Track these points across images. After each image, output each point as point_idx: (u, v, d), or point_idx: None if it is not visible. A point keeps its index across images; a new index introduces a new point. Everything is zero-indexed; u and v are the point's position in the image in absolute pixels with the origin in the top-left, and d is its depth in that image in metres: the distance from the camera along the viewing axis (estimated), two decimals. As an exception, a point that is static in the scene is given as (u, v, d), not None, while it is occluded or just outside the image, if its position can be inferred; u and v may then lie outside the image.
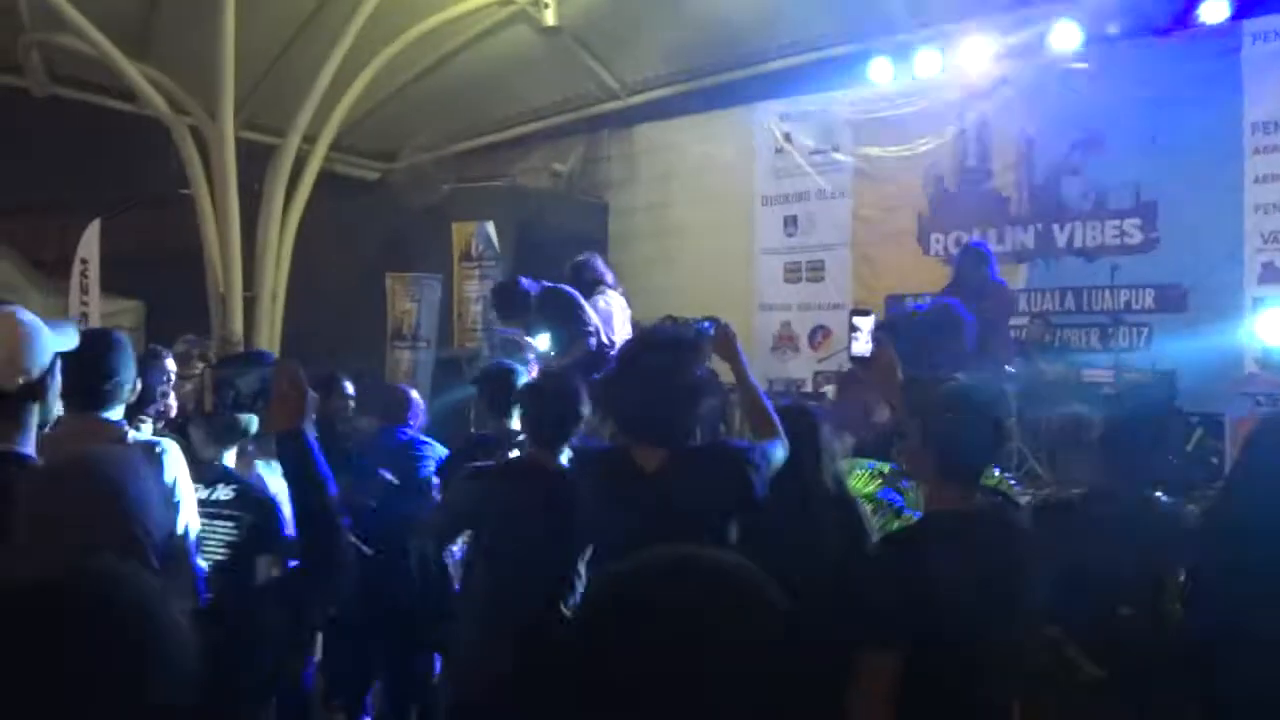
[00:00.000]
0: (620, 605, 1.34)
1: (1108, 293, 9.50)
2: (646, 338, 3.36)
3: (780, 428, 3.47)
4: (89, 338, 4.07)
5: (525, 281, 7.20)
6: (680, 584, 1.33)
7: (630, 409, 3.28)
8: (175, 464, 3.37)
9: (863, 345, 3.95)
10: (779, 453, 3.39)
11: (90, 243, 11.10)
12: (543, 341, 6.66)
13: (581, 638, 1.36)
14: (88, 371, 3.57)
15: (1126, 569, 3.41)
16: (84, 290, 11.14)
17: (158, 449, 3.36)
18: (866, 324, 3.98)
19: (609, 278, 7.95)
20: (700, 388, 3.26)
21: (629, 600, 1.34)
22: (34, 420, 2.78)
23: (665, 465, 3.23)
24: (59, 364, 2.84)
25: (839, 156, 11.25)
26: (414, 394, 6.10)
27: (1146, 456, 3.68)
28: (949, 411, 3.11)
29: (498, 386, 5.28)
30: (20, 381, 2.70)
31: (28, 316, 2.80)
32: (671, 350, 3.26)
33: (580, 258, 8.16)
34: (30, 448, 2.76)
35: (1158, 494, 3.73)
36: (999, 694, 3.00)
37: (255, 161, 11.95)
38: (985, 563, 2.89)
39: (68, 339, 2.91)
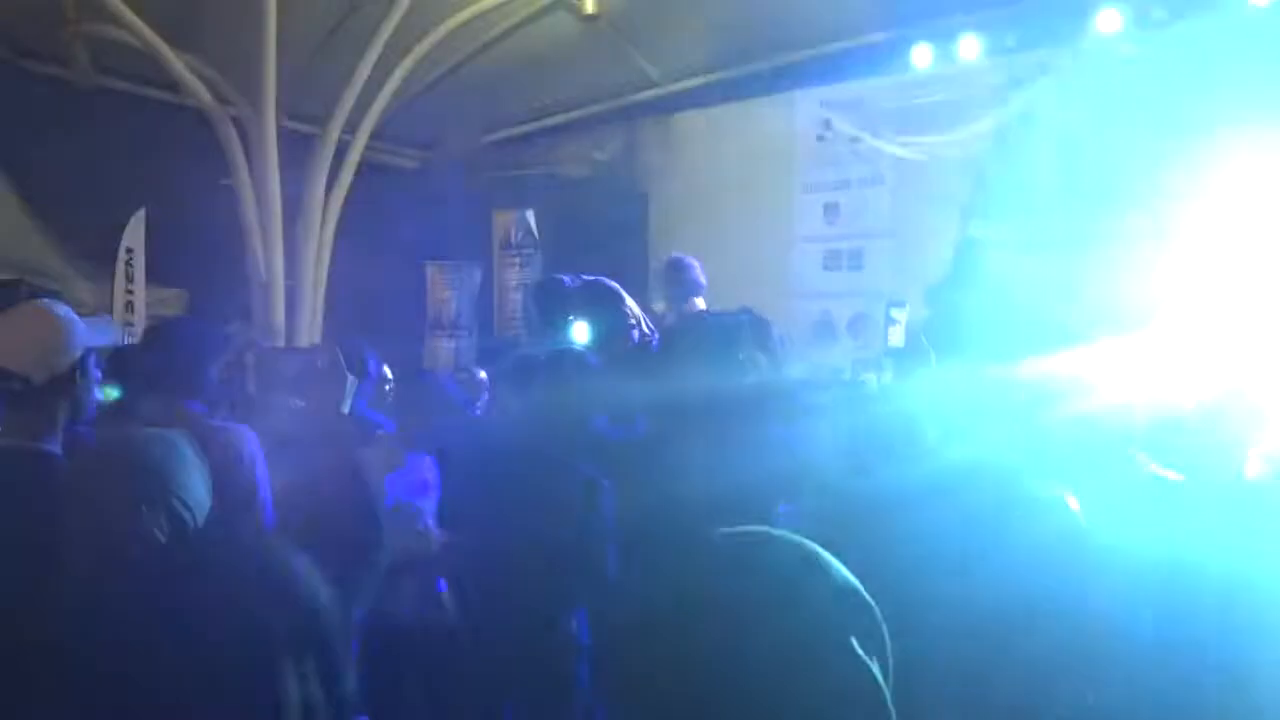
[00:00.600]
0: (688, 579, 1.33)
1: (1151, 282, 9.38)
2: (694, 320, 3.35)
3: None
4: (174, 327, 4.16)
5: (567, 279, 7.21)
6: (750, 561, 1.37)
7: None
8: (254, 448, 3.43)
9: (898, 336, 3.89)
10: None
11: (135, 232, 11.24)
12: (581, 333, 6.65)
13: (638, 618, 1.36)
14: (175, 361, 3.63)
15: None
16: (129, 279, 11.27)
17: (234, 433, 3.42)
18: (903, 315, 3.91)
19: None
20: (744, 372, 3.26)
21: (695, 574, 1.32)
22: (63, 416, 2.80)
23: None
24: (92, 359, 2.88)
25: (880, 144, 11.18)
26: (481, 375, 6.09)
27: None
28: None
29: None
30: (48, 374, 2.72)
31: (60, 310, 2.84)
32: (719, 334, 3.26)
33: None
34: (57, 445, 2.79)
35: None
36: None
37: (297, 151, 12.03)
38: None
39: (103, 334, 2.94)
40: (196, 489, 2.25)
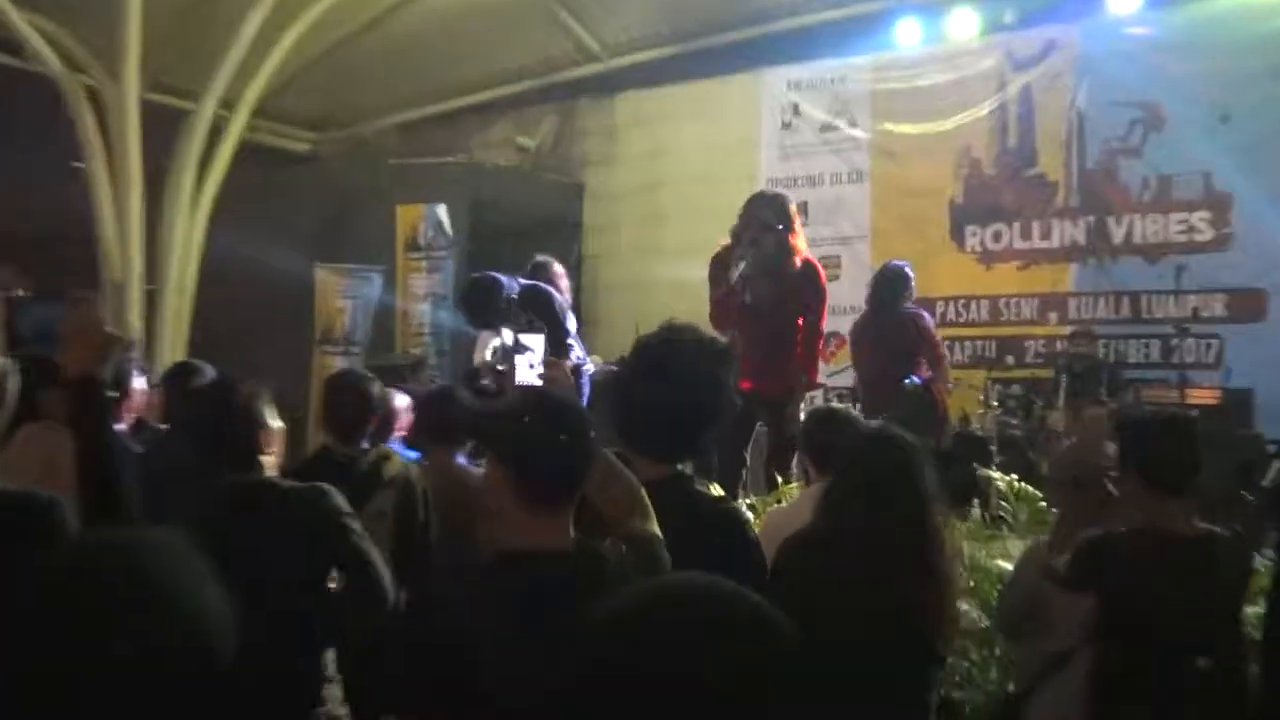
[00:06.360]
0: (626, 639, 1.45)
1: (1172, 298, 9.64)
2: (675, 336, 3.45)
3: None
4: None
5: (504, 280, 7.27)
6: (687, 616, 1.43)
7: (646, 413, 3.33)
8: None
9: (527, 372, 3.89)
10: None
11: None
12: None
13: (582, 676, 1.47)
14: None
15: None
16: (-59, 275, 11.04)
17: None
18: (535, 344, 3.88)
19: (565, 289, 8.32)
20: (727, 402, 3.38)
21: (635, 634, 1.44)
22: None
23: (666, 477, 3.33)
24: None
25: (857, 133, 11.42)
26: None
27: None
28: None
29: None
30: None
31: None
32: (704, 355, 3.35)
33: (540, 259, 8.39)
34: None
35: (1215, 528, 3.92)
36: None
37: (163, 130, 11.97)
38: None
39: None
40: None
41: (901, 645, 3.32)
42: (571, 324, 7.54)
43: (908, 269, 8.72)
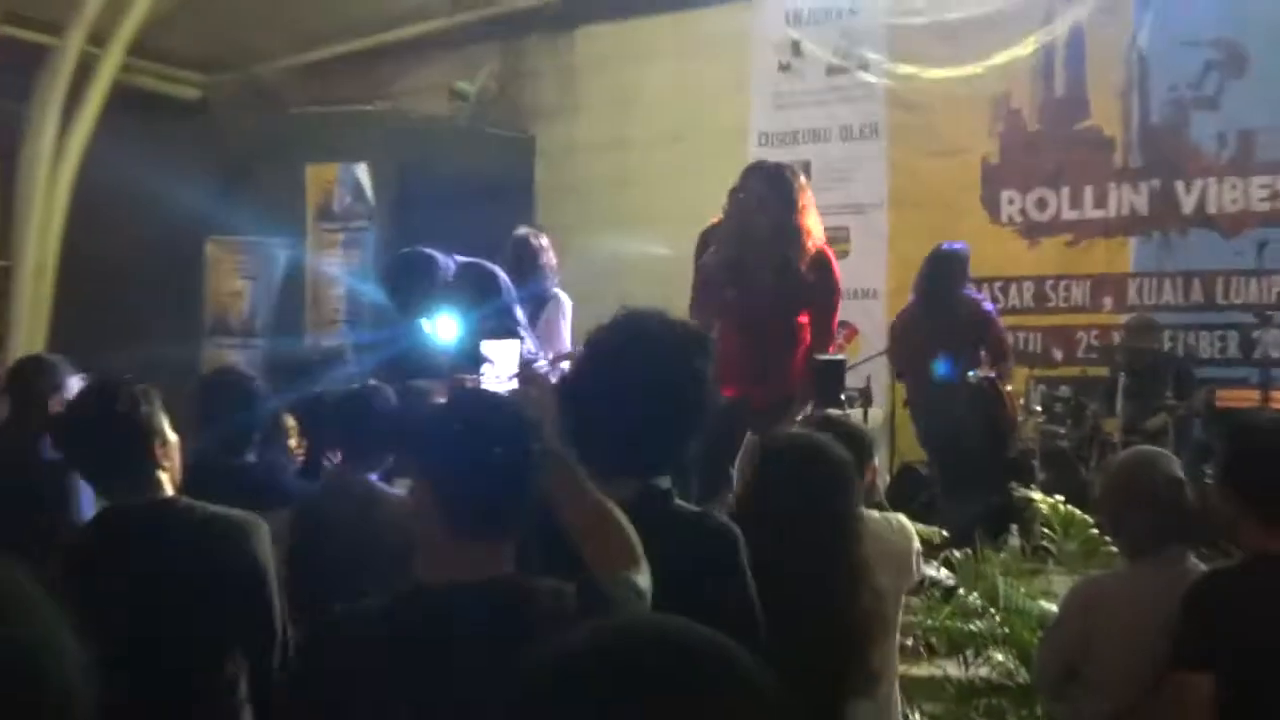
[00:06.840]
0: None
1: (1253, 280, 9.67)
2: (636, 322, 3.41)
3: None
4: None
5: (439, 256, 7.23)
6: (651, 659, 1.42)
7: (604, 419, 3.29)
8: None
9: (497, 386, 4.04)
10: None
11: None
12: (447, 330, 6.69)
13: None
14: None
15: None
16: None
17: None
18: (504, 353, 4.14)
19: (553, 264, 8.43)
20: (705, 403, 3.38)
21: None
22: None
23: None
24: None
25: (870, 78, 11.36)
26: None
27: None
28: None
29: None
30: None
31: None
32: (674, 344, 3.33)
33: (522, 232, 8.51)
34: None
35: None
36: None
37: (17, 71, 11.88)
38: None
39: None
40: None
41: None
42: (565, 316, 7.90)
43: (961, 249, 8.85)
